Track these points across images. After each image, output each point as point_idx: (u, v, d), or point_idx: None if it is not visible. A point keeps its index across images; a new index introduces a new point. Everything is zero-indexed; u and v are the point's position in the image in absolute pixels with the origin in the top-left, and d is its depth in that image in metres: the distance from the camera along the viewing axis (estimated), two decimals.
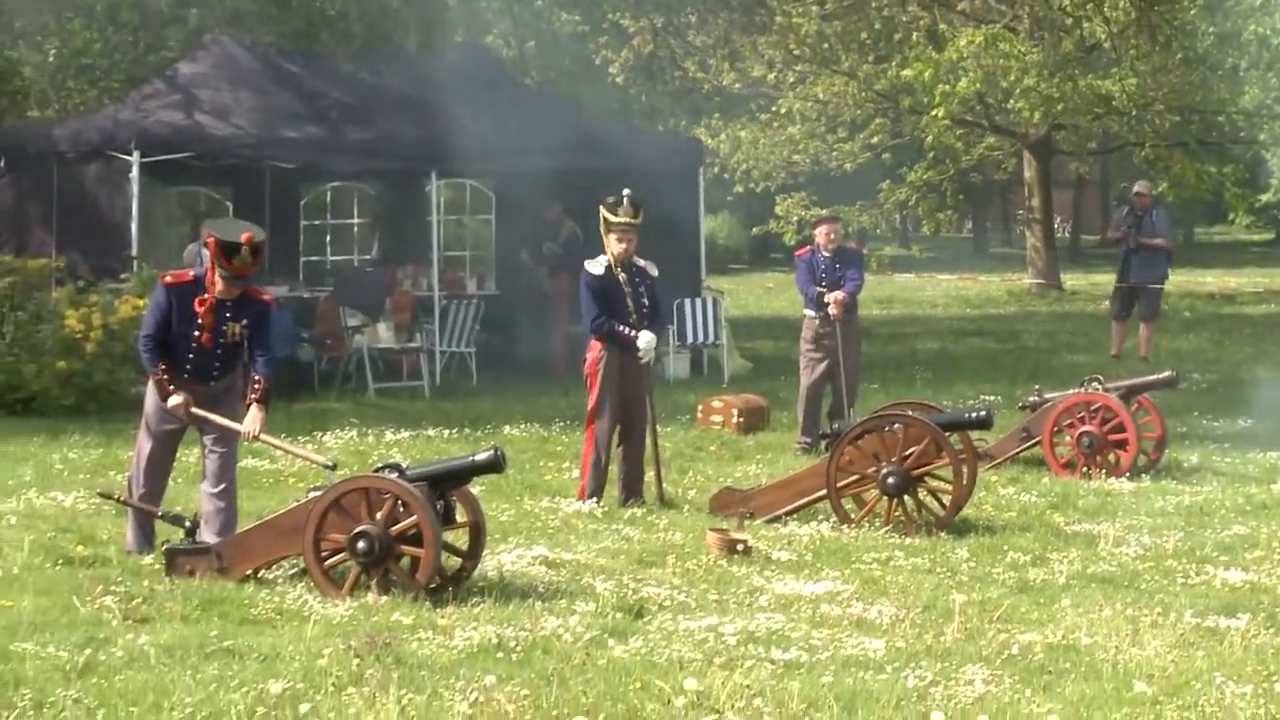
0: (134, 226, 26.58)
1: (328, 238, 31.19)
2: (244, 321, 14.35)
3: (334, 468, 15.01)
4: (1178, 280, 50.05)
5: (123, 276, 25.63)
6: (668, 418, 21.04)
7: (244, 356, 14.52)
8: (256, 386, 14.34)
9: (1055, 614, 12.94)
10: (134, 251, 26.34)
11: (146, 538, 14.46)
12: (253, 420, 14.23)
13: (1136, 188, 33.44)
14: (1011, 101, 43.52)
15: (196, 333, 14.25)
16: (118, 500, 14.86)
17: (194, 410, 14.28)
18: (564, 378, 25.22)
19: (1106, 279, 55.64)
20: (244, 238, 14.11)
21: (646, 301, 17.51)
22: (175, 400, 14.18)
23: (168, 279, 14.72)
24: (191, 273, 14.90)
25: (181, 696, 10.03)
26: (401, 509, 12.97)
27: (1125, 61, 42.59)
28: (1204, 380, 28.19)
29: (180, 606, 12.41)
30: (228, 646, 11.28)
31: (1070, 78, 41.74)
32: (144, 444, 14.69)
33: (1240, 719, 10.12)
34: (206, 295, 14.26)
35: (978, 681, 10.93)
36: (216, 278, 14.21)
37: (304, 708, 9.90)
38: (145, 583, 13.16)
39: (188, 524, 13.92)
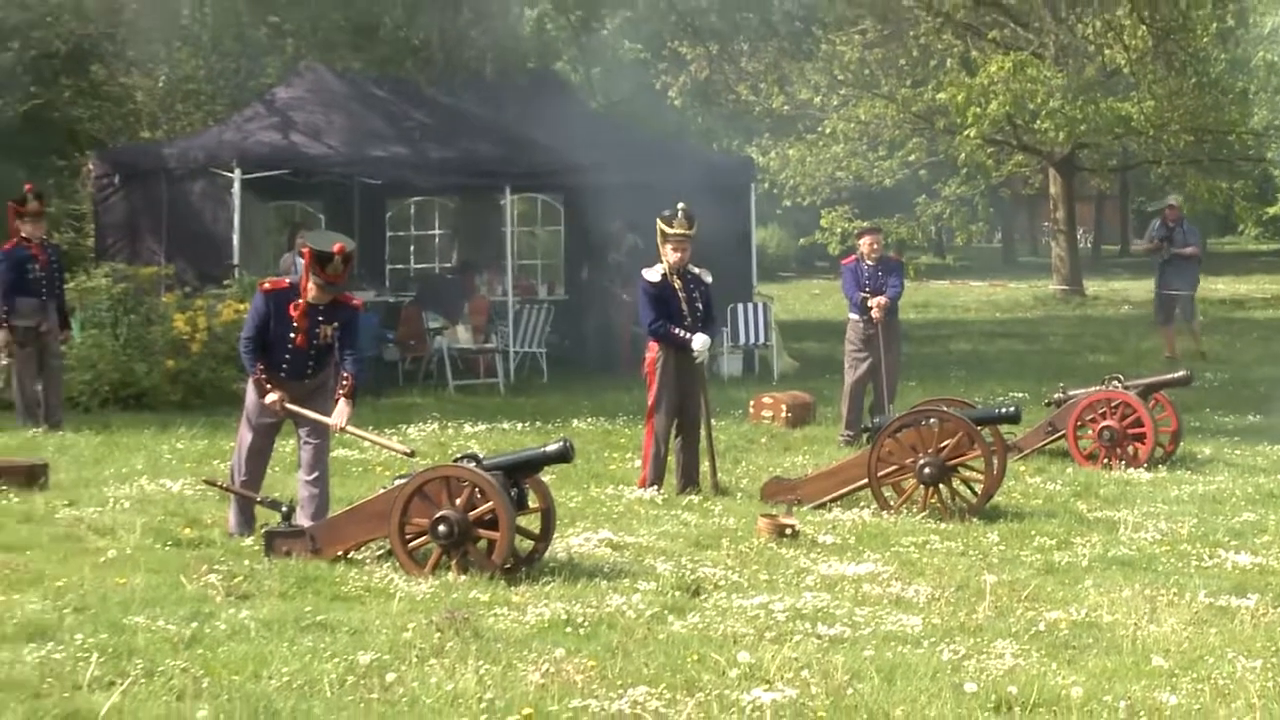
0: (235, 237, 26.69)
1: (411, 247, 31.23)
2: (334, 324, 14.41)
3: (413, 455, 15.11)
4: None
5: (225, 283, 25.72)
6: (722, 412, 21.00)
7: (334, 356, 14.61)
8: (345, 383, 14.40)
9: (1079, 593, 12.88)
10: (235, 260, 26.45)
11: (247, 521, 14.51)
12: (341, 414, 14.29)
13: (1168, 201, 33.43)
14: (1038, 122, 43.36)
15: (292, 335, 14.31)
16: (221, 487, 14.92)
17: (289, 406, 14.35)
18: (627, 376, 25.18)
19: (1124, 285, 55.79)
20: (336, 248, 14.18)
21: (701, 306, 17.50)
22: (272, 397, 14.26)
23: (266, 286, 14.78)
24: (287, 280, 14.97)
25: (279, 666, 10.06)
26: (479, 496, 13.00)
27: (1143, 86, 42.42)
28: (1215, 379, 28.04)
29: (278, 584, 12.45)
30: (321, 621, 11.31)
31: (1092, 100, 41.60)
32: (245, 435, 14.76)
33: (1250, 691, 10.06)
34: (301, 301, 14.32)
35: (1007, 655, 10.91)
36: (310, 284, 14.26)
37: (390, 677, 9.94)
38: (246, 562, 13.20)
39: (284, 509, 13.97)
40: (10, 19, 32.39)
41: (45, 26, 32.58)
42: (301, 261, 14.78)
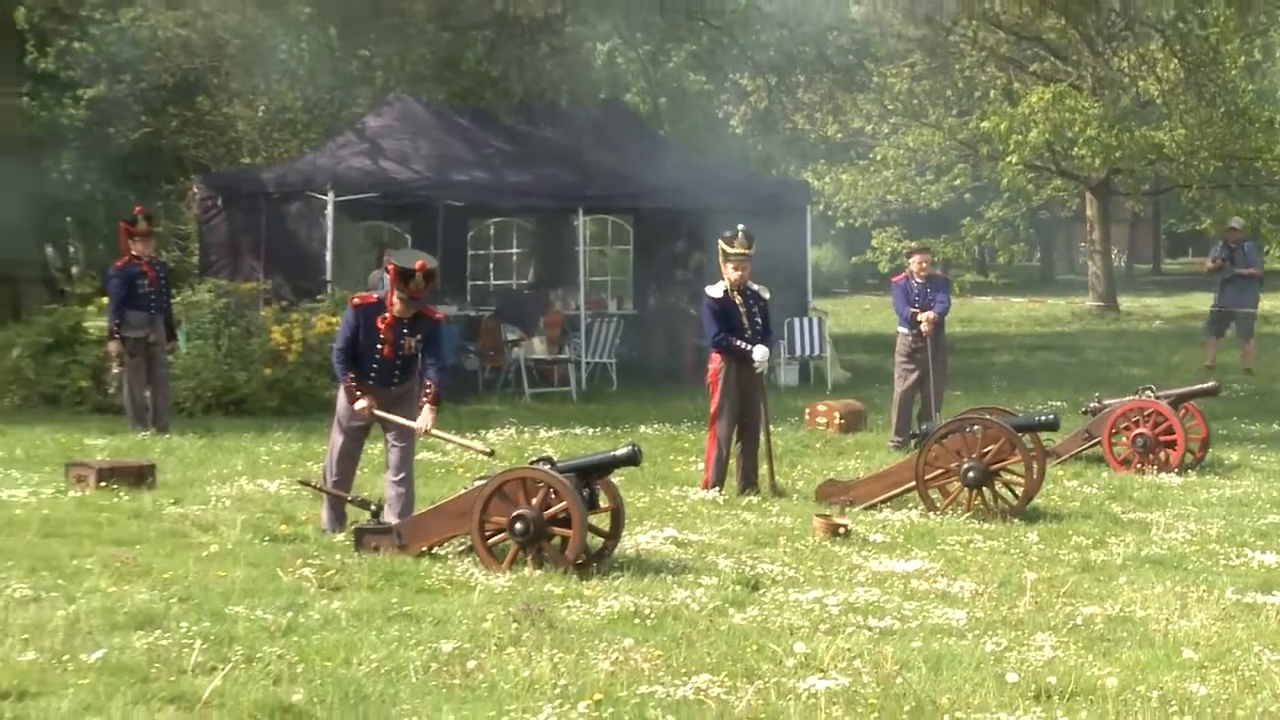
0: (328, 255, 26.82)
1: (491, 265, 31.30)
2: (418, 337, 14.47)
3: (492, 454, 15.14)
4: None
5: (319, 297, 25.85)
6: (779, 419, 20.94)
7: (419, 365, 14.66)
8: (428, 390, 14.44)
9: (1113, 590, 12.83)
10: (328, 276, 26.57)
11: (339, 519, 14.55)
12: (425, 418, 14.32)
13: (1231, 223, 33.32)
14: (1076, 149, 43.25)
15: (379, 346, 14.37)
16: (314, 487, 14.97)
17: (376, 412, 14.40)
18: (691, 385, 25.16)
19: (1156, 302, 55.61)
20: (418, 266, 14.24)
21: (760, 320, 17.52)
22: (361, 404, 14.32)
23: (355, 301, 14.87)
24: (375, 295, 15.03)
25: (367, 653, 10.09)
26: (554, 496, 13.01)
27: (1175, 115, 42.24)
28: (1242, 390, 27.86)
29: (367, 577, 12.48)
30: (406, 611, 11.34)
31: (1127, 129, 41.45)
32: (336, 439, 14.81)
33: (1276, 683, 10.01)
34: (387, 314, 14.38)
35: (1046, 647, 10.88)
36: (395, 299, 14.32)
37: (470, 664, 9.96)
38: (337, 557, 13.23)
39: (373, 507, 14.01)
40: (124, 54, 32.61)
41: (155, 62, 32.77)
42: (388, 278, 14.83)
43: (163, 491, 16.09)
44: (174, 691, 9.10)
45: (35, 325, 25.84)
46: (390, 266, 14.63)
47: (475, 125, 31.20)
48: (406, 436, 14.56)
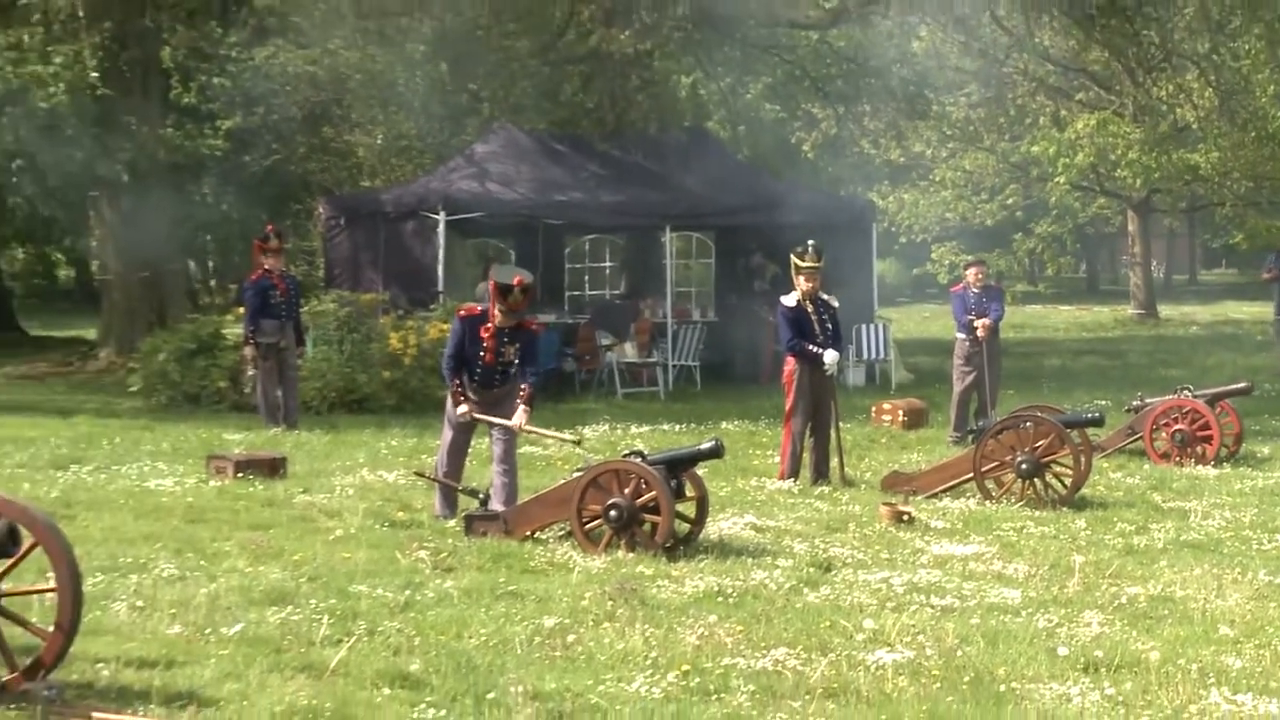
0: (440, 269, 26.94)
1: (586, 277, 31.36)
2: (517, 345, 14.59)
3: (579, 443, 15.19)
4: (1252, 310, 49.28)
5: (431, 307, 25.95)
6: (848, 416, 20.87)
7: (517, 370, 14.74)
8: (522, 392, 14.54)
9: (1155, 572, 12.74)
10: (440, 288, 26.68)
11: (450, 506, 14.62)
12: (519, 417, 14.41)
13: None
14: (1118, 171, 43.05)
15: (482, 354, 14.47)
16: (428, 477, 15.03)
17: (476, 415, 14.49)
18: (768, 385, 25.12)
19: (1193, 310, 55.32)
20: (516, 281, 14.34)
21: (830, 326, 17.51)
22: (463, 409, 14.47)
23: (462, 312, 14.99)
24: (479, 307, 15.09)
25: (477, 628, 10.13)
26: (644, 486, 13.03)
27: (1210, 139, 41.89)
28: (1274, 389, 27.58)
29: (476, 559, 12.53)
30: (512, 590, 11.37)
31: (1165, 152, 41.19)
32: (446, 434, 14.89)
33: None
34: (490, 324, 14.47)
35: (1094, 624, 10.84)
36: (496, 311, 14.40)
37: (570, 637, 10.00)
38: (450, 540, 13.28)
39: (481, 496, 14.07)
40: (257, 89, 32.77)
41: (285, 95, 32.94)
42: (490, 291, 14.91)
43: (293, 481, 16.21)
44: (304, 661, 9.17)
45: (179, 332, 26.11)
46: (492, 282, 14.73)
47: (572, 151, 31.27)
48: (509, 431, 14.63)
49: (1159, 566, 13.04)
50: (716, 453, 13.96)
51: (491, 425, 14.68)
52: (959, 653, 9.91)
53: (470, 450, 15.31)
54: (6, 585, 8.62)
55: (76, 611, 8.46)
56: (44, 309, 51.78)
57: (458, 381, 14.58)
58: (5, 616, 8.52)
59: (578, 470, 13.96)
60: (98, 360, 31.82)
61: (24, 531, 8.42)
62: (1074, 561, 12.96)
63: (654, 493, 12.98)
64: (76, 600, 8.45)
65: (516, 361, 14.72)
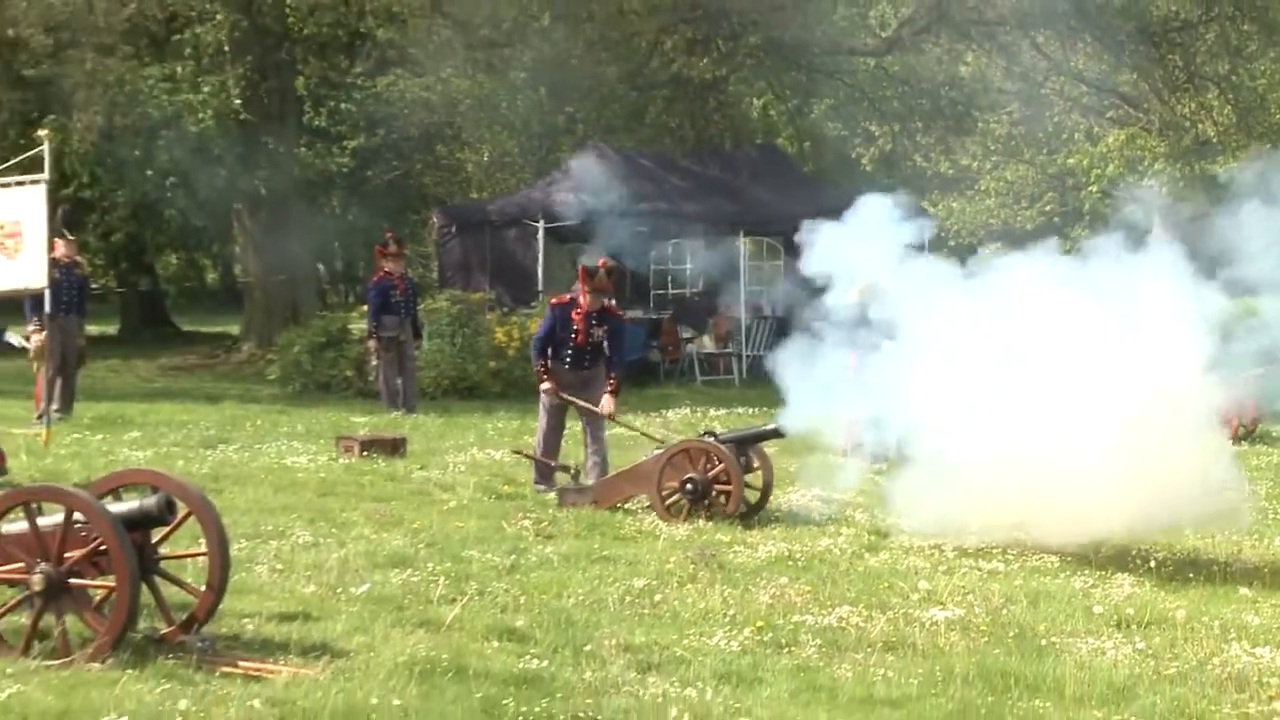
0: (539, 271, 27.03)
1: (669, 278, 31.27)
2: (604, 328, 14.74)
3: (662, 442, 15.08)
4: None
5: (532, 304, 26.02)
6: None
7: (605, 354, 14.83)
8: (611, 382, 14.68)
9: (1181, 538, 12.63)
10: (540, 288, 26.77)
11: (548, 481, 14.65)
12: (606, 404, 14.51)
13: None
14: (1145, 181, 42.62)
15: (573, 335, 14.63)
16: (528, 455, 15.09)
17: (564, 396, 14.57)
18: None
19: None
20: (600, 263, 14.62)
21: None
22: (546, 386, 14.70)
23: (553, 301, 15.22)
24: (569, 295, 15.16)
25: (575, 588, 10.15)
26: (717, 462, 13.05)
27: (1229, 152, 41.44)
28: None
29: (573, 528, 12.54)
30: (605, 555, 11.39)
31: (1189, 164, 40.76)
32: (543, 418, 14.97)
33: None
34: (579, 309, 14.58)
35: (1125, 585, 10.82)
36: (584, 295, 14.54)
37: (657, 597, 10.02)
38: (549, 511, 13.31)
39: (573, 471, 14.10)
40: (379, 113, 33.03)
41: (403, 118, 33.15)
42: (579, 279, 15.00)
43: (411, 459, 16.28)
44: (423, 618, 9.21)
45: (311, 327, 26.31)
46: (580, 267, 14.87)
47: (656, 166, 31.29)
48: (598, 414, 14.69)
49: (1184, 534, 12.92)
50: (779, 433, 13.96)
51: (579, 408, 14.75)
52: (1004, 611, 9.88)
53: (565, 431, 15.36)
54: (165, 550, 8.71)
55: (225, 573, 8.54)
56: (193, 308, 52.27)
57: (543, 362, 14.74)
58: (163, 577, 8.61)
59: (658, 449, 14.00)
60: (240, 353, 32.12)
61: (179, 503, 8.50)
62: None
63: (723, 467, 13.01)
64: (225, 563, 8.53)
65: (605, 344, 14.81)
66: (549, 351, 14.82)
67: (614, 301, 15.73)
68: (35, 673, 7.69)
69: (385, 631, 8.83)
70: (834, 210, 28.72)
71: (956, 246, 50.41)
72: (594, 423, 14.82)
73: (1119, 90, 38.00)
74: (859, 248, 14.46)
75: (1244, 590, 10.70)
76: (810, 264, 14.97)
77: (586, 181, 29.91)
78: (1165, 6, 35.12)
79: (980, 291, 12.49)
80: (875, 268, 14.33)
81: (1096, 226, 48.97)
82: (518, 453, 15.67)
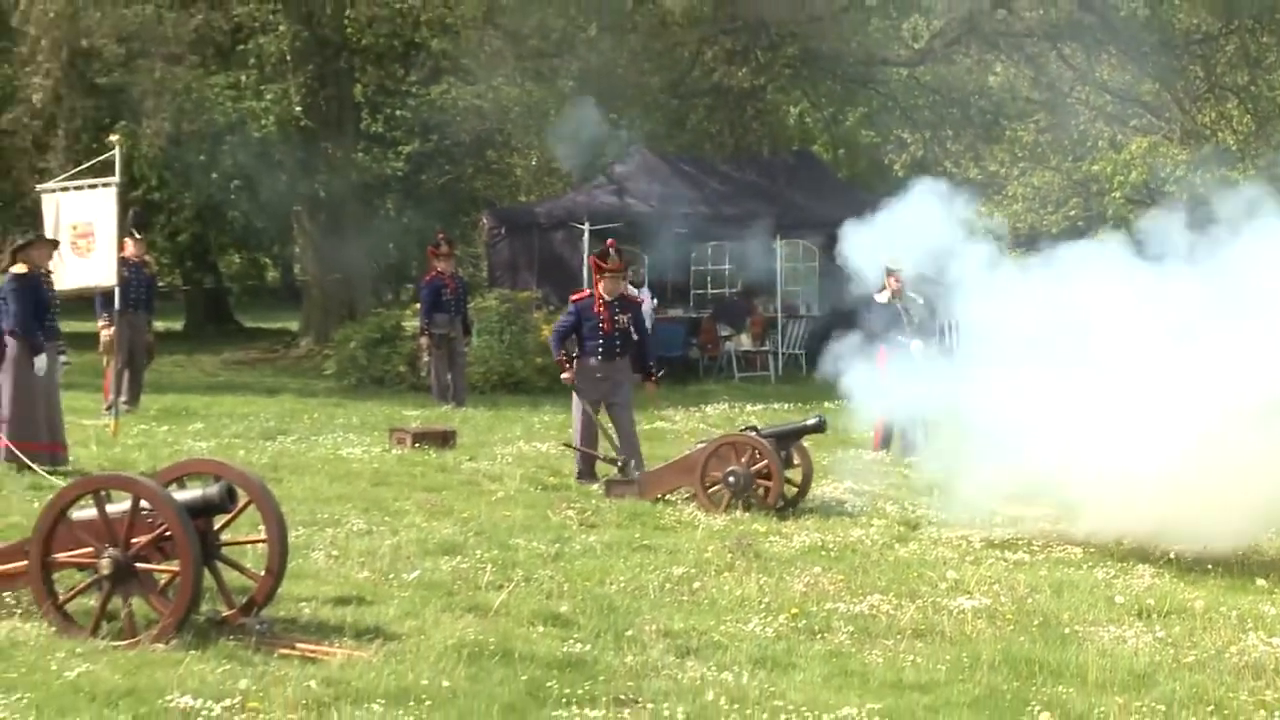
0: (585, 271, 26.96)
1: (708, 278, 31.23)
2: (628, 314, 14.92)
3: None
4: None
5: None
6: None
7: (633, 341, 15.01)
8: (651, 375, 15.23)
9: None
10: (584, 288, 26.75)
11: (591, 472, 14.65)
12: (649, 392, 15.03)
13: None
14: (1167, 187, 42.38)
15: (600, 325, 14.78)
16: (573, 447, 15.07)
17: (589, 408, 14.75)
18: None
19: None
20: (608, 243, 14.92)
21: (916, 320, 17.43)
22: (565, 375, 14.85)
23: (574, 297, 15.44)
24: (588, 290, 15.25)
25: (617, 576, 10.16)
26: (758, 456, 13.02)
27: (1248, 160, 41.17)
28: None
29: (615, 517, 12.55)
30: (646, 544, 11.38)
31: (1209, 171, 40.50)
32: (578, 412, 14.97)
33: None
34: (599, 299, 14.84)
35: (1146, 576, 10.77)
36: (601, 285, 14.85)
37: (695, 584, 10.01)
38: (593, 501, 13.32)
39: (619, 463, 14.10)
40: (433, 119, 33.08)
41: (455, 124, 33.22)
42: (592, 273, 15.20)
43: (461, 451, 16.31)
44: (472, 603, 9.22)
45: (366, 324, 26.39)
46: (592, 258, 15.00)
47: (697, 171, 31.28)
48: (624, 410, 14.82)
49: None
50: (819, 428, 13.97)
51: (611, 401, 14.82)
52: (1029, 600, 9.85)
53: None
54: (226, 536, 8.74)
55: (283, 559, 8.57)
56: (255, 305, 52.46)
57: (562, 352, 14.86)
58: (225, 562, 8.64)
59: (700, 443, 13.99)
60: (299, 348, 32.24)
61: (240, 491, 8.53)
62: None
63: (765, 461, 12.98)
64: (283, 549, 8.56)
65: (632, 330, 14.94)
66: (579, 347, 14.87)
67: (630, 287, 15.92)
68: (103, 652, 7.74)
69: (435, 616, 8.84)
70: (865, 214, 28.75)
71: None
72: (621, 422, 14.83)
73: (1142, 99, 37.79)
74: (916, 231, 14.04)
75: (1260, 582, 10.66)
76: (858, 252, 14.67)
77: (630, 185, 29.99)
78: (1187, 20, 34.98)
79: (1072, 285, 11.86)
80: (933, 251, 13.97)
81: (1120, 230, 48.91)
82: (566, 445, 15.65)
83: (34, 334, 13.69)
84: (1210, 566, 11.10)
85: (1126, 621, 9.39)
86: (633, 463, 14.20)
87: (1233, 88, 35.53)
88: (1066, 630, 9.11)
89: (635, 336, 15.00)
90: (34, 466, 11.93)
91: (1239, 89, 35.34)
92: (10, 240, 14.33)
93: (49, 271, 14.49)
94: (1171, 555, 11.39)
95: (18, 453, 11.94)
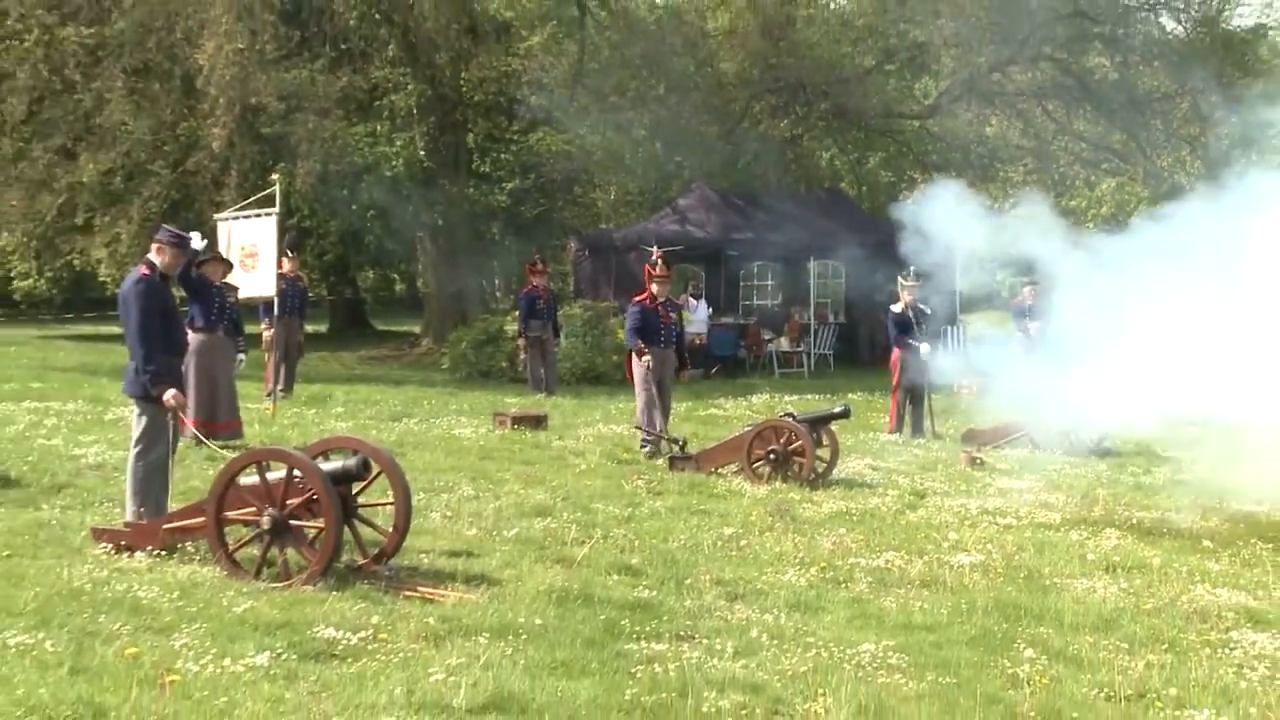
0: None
1: (754, 291, 31.18)
2: (674, 313, 15.27)
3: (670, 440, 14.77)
4: None
5: None
6: (937, 389, 20.61)
7: (675, 333, 15.36)
8: (687, 364, 15.73)
9: (1156, 501, 12.50)
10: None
11: (656, 448, 14.65)
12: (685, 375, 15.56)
13: None
14: (1132, 219, 41.96)
15: (660, 320, 15.04)
16: (639, 429, 15.07)
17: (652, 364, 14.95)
18: (880, 367, 24.87)
19: None
20: (655, 254, 15.29)
21: (924, 327, 17.34)
22: (647, 358, 14.89)
23: (635, 299, 15.51)
24: (643, 294, 15.35)
25: (678, 534, 10.16)
26: (794, 437, 12.98)
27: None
28: None
29: (677, 487, 12.54)
30: (702, 509, 11.38)
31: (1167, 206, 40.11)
32: (641, 396, 15.05)
33: (1266, 564, 9.66)
34: (655, 300, 15.09)
35: (1113, 538, 10.66)
36: (653, 289, 15.11)
37: (742, 542, 9.99)
38: (658, 474, 13.31)
39: (681, 442, 14.08)
40: (530, 160, 33.23)
41: (548, 165, 33.42)
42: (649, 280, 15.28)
43: (552, 431, 16.36)
44: (559, 555, 9.25)
45: (474, 328, 26.47)
46: (646, 268, 15.19)
47: (746, 204, 31.21)
48: (670, 387, 15.27)
49: (1159, 498, 12.77)
50: (846, 414, 13.92)
51: (662, 390, 15.02)
52: (1016, 557, 9.80)
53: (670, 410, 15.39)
54: (362, 499, 8.81)
55: (407, 518, 8.63)
56: (385, 312, 52.81)
57: (640, 343, 14.95)
58: (361, 520, 8.71)
59: (748, 426, 13.96)
60: (420, 347, 32.39)
61: (373, 463, 8.60)
62: (1098, 494, 12.73)
63: (800, 442, 12.94)
64: (407, 510, 8.62)
65: (677, 326, 15.35)
66: (646, 339, 15.04)
67: (690, 299, 16.13)
68: (264, 593, 7.83)
69: (530, 566, 8.88)
70: (884, 240, 28.70)
71: (981, 269, 49.94)
72: (665, 399, 15.24)
73: (1112, 147, 37.40)
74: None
75: (1207, 544, 10.55)
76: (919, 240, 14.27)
77: (691, 215, 29.96)
78: (1149, 83, 34.81)
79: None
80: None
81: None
82: (635, 427, 15.66)
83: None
84: (1165, 531, 11.02)
85: (1096, 575, 9.32)
86: (680, 439, 14.18)
87: (1186, 138, 35.18)
88: (1047, 582, 9.06)
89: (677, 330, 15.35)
90: (209, 443, 12.04)
91: (1191, 139, 35.00)
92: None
93: (226, 284, 14.62)
94: (1134, 521, 11.31)
95: (196, 432, 12.05)
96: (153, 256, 9.72)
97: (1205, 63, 32.79)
